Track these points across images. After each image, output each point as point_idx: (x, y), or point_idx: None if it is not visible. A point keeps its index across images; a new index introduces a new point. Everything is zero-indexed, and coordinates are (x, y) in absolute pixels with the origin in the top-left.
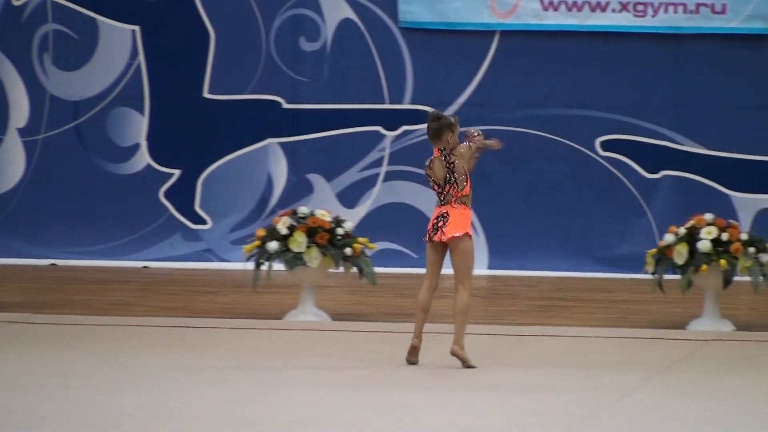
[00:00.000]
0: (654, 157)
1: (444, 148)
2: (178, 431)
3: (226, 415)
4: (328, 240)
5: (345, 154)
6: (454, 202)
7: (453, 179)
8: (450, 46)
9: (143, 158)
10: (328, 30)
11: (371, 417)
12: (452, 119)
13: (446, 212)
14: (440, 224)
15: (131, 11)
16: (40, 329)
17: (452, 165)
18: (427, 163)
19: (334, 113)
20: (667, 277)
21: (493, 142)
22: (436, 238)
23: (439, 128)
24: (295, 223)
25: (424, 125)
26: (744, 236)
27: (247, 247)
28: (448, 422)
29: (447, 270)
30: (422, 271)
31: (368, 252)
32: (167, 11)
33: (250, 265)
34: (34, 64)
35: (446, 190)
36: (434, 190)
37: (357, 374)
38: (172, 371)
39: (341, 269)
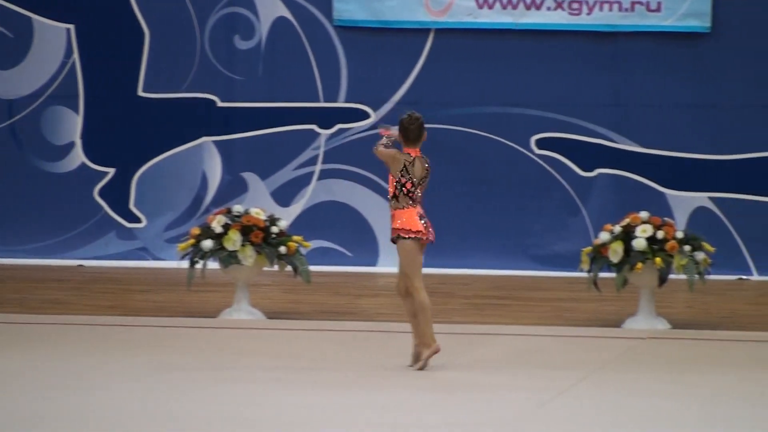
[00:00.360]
0: (589, 155)
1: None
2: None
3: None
4: (263, 238)
5: (279, 152)
6: (420, 202)
7: (425, 182)
8: (385, 45)
9: (78, 157)
10: (263, 28)
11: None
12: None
13: (423, 213)
14: (427, 225)
15: (66, 10)
16: None
17: (429, 169)
18: (409, 159)
19: (269, 111)
20: (602, 275)
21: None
22: (432, 239)
23: (420, 128)
24: (229, 222)
25: (359, 123)
26: (679, 234)
27: (182, 245)
28: (382, 421)
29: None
30: (357, 269)
31: (303, 250)
32: (102, 10)
33: (185, 264)
34: None
35: (418, 191)
36: (406, 187)
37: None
38: (106, 370)
39: (276, 267)
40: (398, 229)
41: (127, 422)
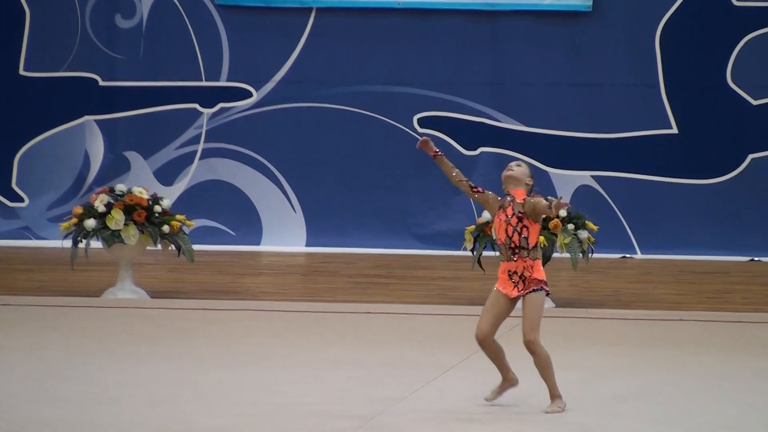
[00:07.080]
0: (472, 134)
1: None
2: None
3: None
4: (146, 217)
5: (162, 131)
6: None
7: None
8: (266, 24)
9: None
10: (144, 7)
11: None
12: None
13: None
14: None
15: None
16: None
17: None
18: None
19: (151, 91)
20: (485, 254)
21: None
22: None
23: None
24: (112, 201)
25: (241, 102)
26: (562, 213)
27: (65, 224)
28: (264, 400)
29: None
30: (241, 248)
31: (186, 229)
32: None
33: (68, 243)
34: None
35: None
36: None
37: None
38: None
39: (159, 247)
40: (541, 280)
41: (5, 401)
